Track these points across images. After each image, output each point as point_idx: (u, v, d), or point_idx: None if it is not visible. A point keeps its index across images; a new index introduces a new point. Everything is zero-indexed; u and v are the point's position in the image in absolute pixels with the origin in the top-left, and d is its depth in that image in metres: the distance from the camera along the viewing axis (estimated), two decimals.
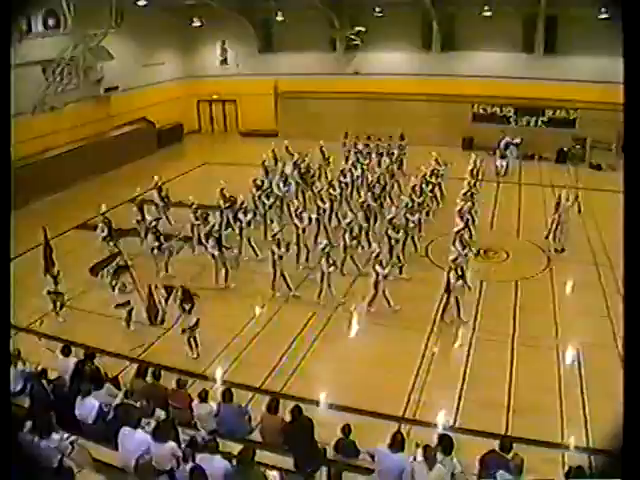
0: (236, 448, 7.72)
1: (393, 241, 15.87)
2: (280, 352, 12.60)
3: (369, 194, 18.47)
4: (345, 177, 20.55)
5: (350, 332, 13.95)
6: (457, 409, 10.80)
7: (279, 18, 30.17)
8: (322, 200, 18.37)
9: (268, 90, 33.09)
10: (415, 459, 7.40)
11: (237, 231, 17.13)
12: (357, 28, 30.33)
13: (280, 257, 14.83)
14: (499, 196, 22.50)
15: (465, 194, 18.22)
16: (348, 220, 16.39)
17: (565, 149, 27.85)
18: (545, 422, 10.36)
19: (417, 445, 7.98)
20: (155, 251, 16.10)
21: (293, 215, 17.40)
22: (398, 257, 15.98)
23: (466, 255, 14.62)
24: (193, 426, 8.96)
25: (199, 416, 9.10)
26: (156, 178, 19.85)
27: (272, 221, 18.07)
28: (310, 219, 17.15)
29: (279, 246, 14.83)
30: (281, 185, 20.02)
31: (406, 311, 14.11)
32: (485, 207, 19.58)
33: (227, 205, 18.27)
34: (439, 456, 7.27)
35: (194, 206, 17.56)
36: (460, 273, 13.48)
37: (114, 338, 13.19)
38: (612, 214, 16.87)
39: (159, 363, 11.35)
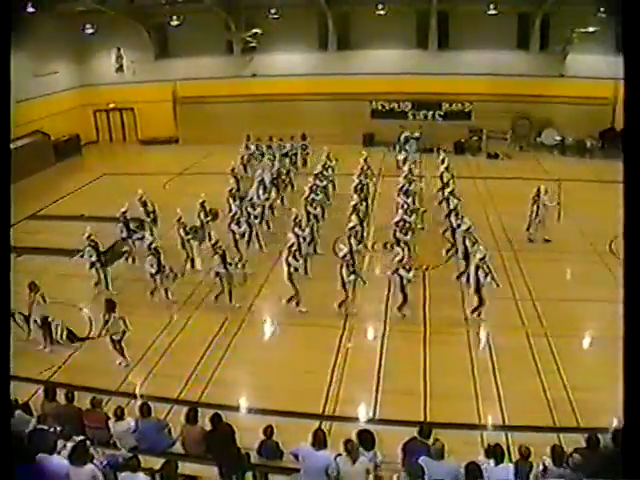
0: (158, 463, 7.55)
1: (402, 243, 15.40)
2: (195, 360, 12.39)
3: (355, 196, 18.20)
4: (322, 181, 20.05)
5: (264, 334, 13.92)
6: (376, 401, 10.98)
7: (174, 23, 29.68)
8: (312, 206, 17.81)
9: (166, 96, 32.53)
10: (340, 455, 7.49)
11: (233, 243, 16.37)
12: (253, 30, 30.29)
13: (296, 269, 14.22)
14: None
15: (452, 192, 18.25)
16: (352, 225, 15.91)
17: (462, 140, 28.88)
18: (462, 405, 10.70)
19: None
20: (157, 275, 14.64)
21: (292, 224, 16.27)
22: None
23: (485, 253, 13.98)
24: (112, 445, 8.73)
25: (117, 434, 8.84)
26: (140, 191, 18.50)
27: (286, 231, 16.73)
28: (312, 228, 16.72)
29: (295, 257, 14.21)
30: (260, 193, 19.34)
31: (317, 309, 14.19)
32: (389, 201, 19.78)
33: (209, 218, 17.63)
34: (361, 449, 7.39)
35: (182, 220, 16.51)
36: (487, 270, 13.46)
37: (21, 361, 12.55)
38: (510, 199, 17.64)
39: (70, 383, 10.94)
